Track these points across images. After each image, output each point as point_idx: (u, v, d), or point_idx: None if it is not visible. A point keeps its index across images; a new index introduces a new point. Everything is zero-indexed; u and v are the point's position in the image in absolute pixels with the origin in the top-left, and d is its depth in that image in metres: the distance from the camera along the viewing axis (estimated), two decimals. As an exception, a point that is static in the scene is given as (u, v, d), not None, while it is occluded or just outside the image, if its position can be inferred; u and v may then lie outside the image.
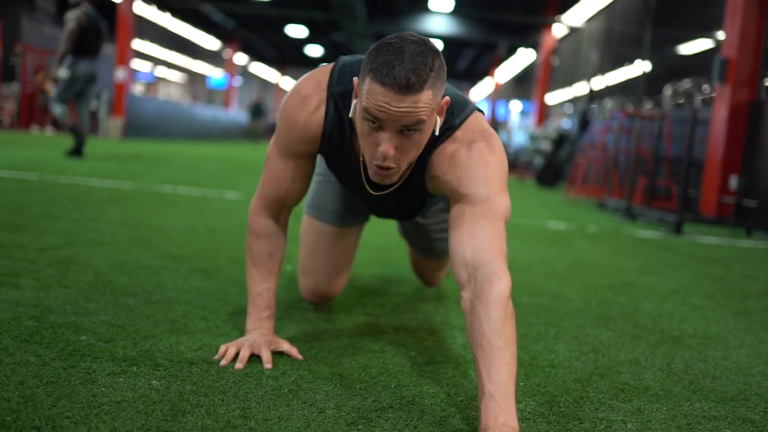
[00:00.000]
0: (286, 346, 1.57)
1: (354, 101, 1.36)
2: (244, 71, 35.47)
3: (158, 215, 3.80)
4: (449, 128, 1.44)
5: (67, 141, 11.83)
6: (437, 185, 1.48)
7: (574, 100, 17.38)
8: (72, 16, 7.46)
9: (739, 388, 1.62)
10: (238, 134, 26.72)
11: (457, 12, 20.51)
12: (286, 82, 40.27)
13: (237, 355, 1.50)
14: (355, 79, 1.35)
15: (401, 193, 1.59)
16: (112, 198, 4.40)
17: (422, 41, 1.28)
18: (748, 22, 6.93)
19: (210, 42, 28.88)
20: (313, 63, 36.27)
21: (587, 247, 4.11)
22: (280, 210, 1.64)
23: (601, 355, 1.81)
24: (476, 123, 1.47)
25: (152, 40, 26.55)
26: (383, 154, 1.30)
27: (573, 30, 17.58)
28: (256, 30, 27.39)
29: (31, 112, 16.61)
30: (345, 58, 1.54)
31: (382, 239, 3.64)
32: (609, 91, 14.48)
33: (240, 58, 31.65)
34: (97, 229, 3.13)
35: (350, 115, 1.39)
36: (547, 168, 12.00)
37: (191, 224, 3.57)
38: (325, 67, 1.55)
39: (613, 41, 13.98)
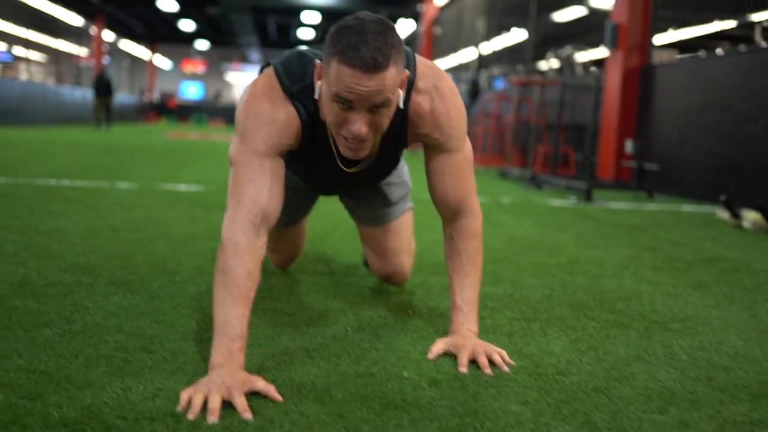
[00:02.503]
0: (261, 384, 1.25)
1: (318, 83, 1.42)
2: (112, 49, 33.49)
3: (49, 215, 3.34)
4: (409, 82, 1.53)
5: None
6: (421, 139, 1.64)
7: (458, 69, 17.48)
8: None
9: (759, 381, 1.49)
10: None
11: (337, -18, 20.11)
12: (159, 59, 38.46)
13: (205, 404, 1.18)
14: (318, 62, 1.42)
15: (379, 161, 1.69)
16: (-13, 197, 3.87)
17: (380, 20, 1.35)
18: (637, -13, 7.04)
19: (73, 18, 26.99)
20: (187, 39, 34.76)
21: (512, 222, 4.00)
22: (262, 219, 1.43)
23: (602, 352, 1.64)
24: (423, 65, 1.58)
25: (6, 18, 24.47)
26: (356, 133, 1.38)
27: (454, -1, 17.61)
28: (124, 4, 25.82)
29: None
30: (276, 62, 1.55)
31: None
32: (494, 58, 14.62)
33: (107, 35, 29.82)
34: (-21, 238, 2.68)
35: (315, 96, 1.45)
36: (440, 139, 11.96)
37: (90, 224, 3.15)
38: (266, 74, 1.55)
39: (497, 9, 14.09)
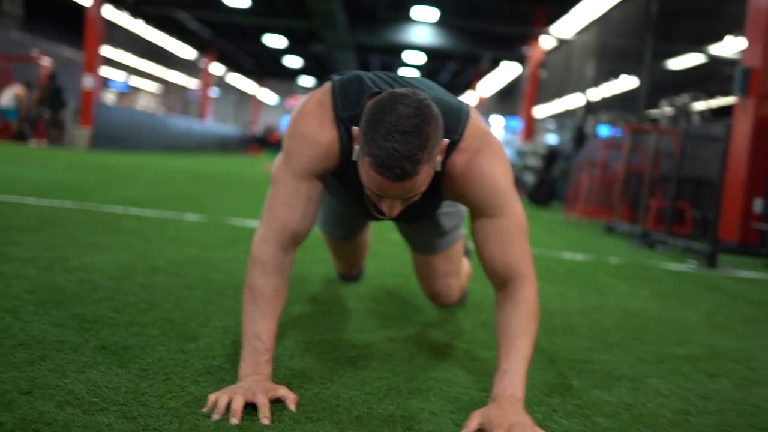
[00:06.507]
0: (283, 392, 1.35)
1: (355, 146, 1.36)
2: (220, 82, 34.57)
3: (90, 248, 2.96)
4: (451, 143, 1.46)
5: (59, 155, 11.00)
6: (455, 198, 1.56)
7: (562, 115, 16.75)
8: None
9: None
10: (213, 146, 25.80)
11: (442, 22, 19.83)
12: (264, 94, 39.44)
13: (229, 406, 1.28)
14: (354, 129, 1.36)
15: (415, 207, 1.57)
16: (41, 222, 3.56)
17: (416, 109, 1.27)
18: (775, 28, 6.24)
19: (186, 51, 27.99)
20: (292, 74, 35.43)
21: (625, 290, 3.34)
22: (291, 240, 1.49)
23: None
24: (474, 127, 1.50)
25: (125, 49, 25.59)
26: (387, 214, 1.38)
27: (562, 42, 16.98)
28: (234, 39, 26.54)
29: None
30: (337, 79, 1.51)
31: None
32: (601, 105, 13.85)
33: (216, 68, 30.76)
34: (-8, 272, 2.31)
35: (353, 158, 1.40)
36: (539, 186, 11.27)
37: (128, 262, 2.75)
38: (323, 90, 1.52)
39: (607, 53, 13.38)
